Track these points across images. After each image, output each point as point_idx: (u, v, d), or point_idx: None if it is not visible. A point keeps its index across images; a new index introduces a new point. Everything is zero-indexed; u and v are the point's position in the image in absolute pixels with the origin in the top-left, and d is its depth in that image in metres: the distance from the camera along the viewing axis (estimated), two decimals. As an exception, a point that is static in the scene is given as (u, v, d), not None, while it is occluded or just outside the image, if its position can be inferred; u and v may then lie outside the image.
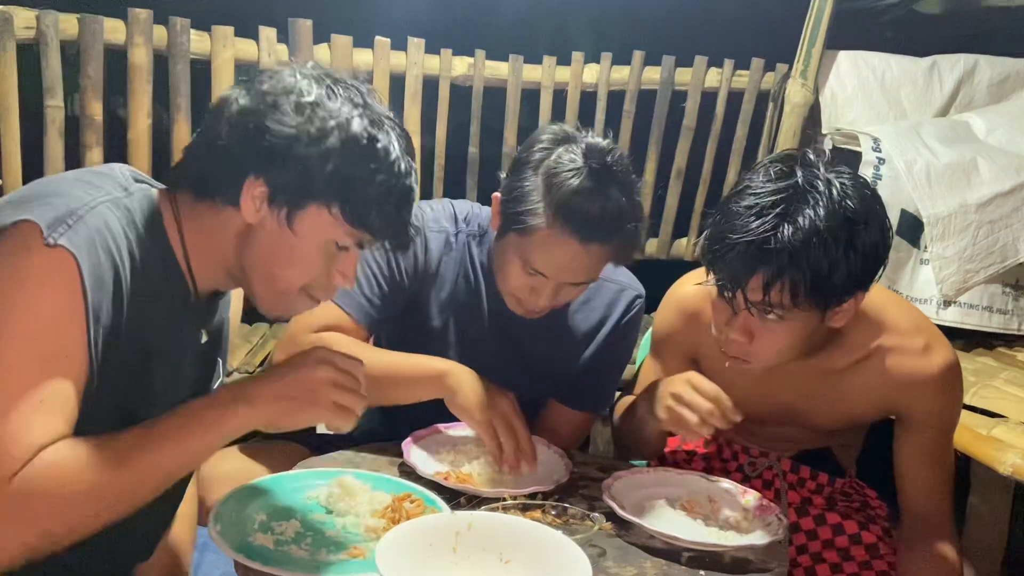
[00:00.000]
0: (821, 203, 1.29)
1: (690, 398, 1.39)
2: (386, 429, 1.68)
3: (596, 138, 1.46)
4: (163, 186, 1.16)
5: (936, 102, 3.15)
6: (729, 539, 1.35)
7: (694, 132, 3.34)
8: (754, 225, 1.29)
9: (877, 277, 1.38)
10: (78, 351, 0.99)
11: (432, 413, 1.56)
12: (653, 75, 3.27)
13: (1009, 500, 2.11)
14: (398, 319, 1.63)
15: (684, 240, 3.44)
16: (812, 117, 3.13)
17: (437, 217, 1.64)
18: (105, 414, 1.05)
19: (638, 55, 3.23)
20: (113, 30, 2.64)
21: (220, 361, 1.29)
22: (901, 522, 1.59)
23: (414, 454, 1.46)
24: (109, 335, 1.03)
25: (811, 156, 1.35)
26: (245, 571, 1.11)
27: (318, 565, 1.13)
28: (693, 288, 1.61)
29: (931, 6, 3.33)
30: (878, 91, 3.10)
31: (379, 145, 1.08)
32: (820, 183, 1.31)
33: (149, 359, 1.11)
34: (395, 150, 1.09)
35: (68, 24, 2.58)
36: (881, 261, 1.36)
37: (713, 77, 3.31)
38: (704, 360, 1.63)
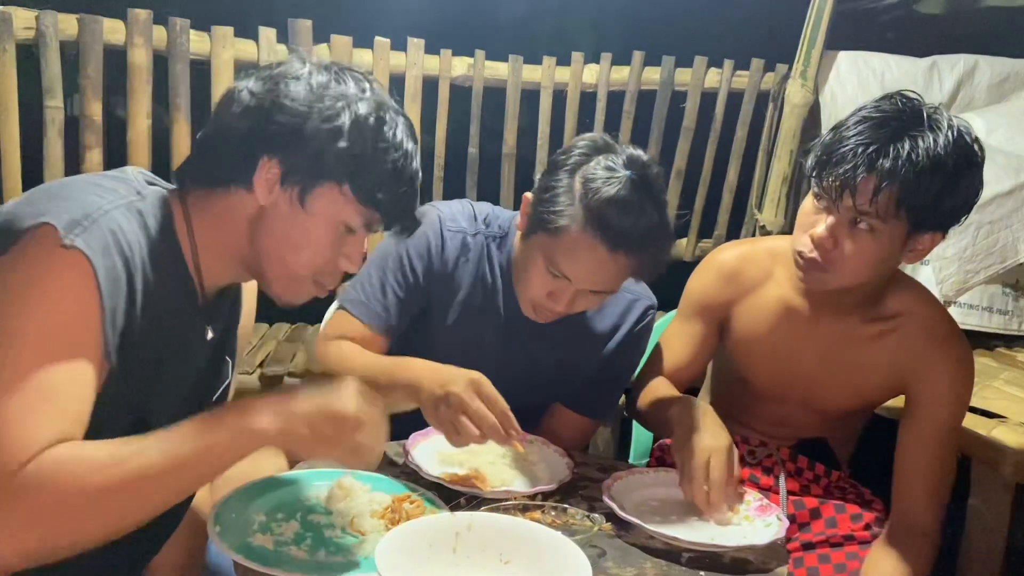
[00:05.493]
0: (942, 134, 1.39)
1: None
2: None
3: (637, 150, 1.46)
4: (174, 187, 1.17)
5: (936, 102, 3.14)
6: (729, 539, 1.35)
7: (694, 132, 3.35)
8: (877, 134, 1.39)
9: (959, 223, 1.47)
10: (91, 352, 0.99)
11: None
12: (653, 75, 3.27)
13: (1009, 500, 2.11)
14: (414, 318, 1.63)
15: (684, 240, 3.44)
16: (812, 117, 3.13)
17: (454, 216, 1.63)
18: (117, 418, 1.05)
19: (638, 55, 3.23)
20: (113, 30, 2.64)
21: (229, 361, 1.29)
22: (889, 520, 1.59)
23: (416, 454, 1.46)
24: (123, 338, 1.03)
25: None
26: (245, 571, 1.11)
27: (318, 565, 1.13)
28: (733, 251, 1.71)
29: (931, 6, 3.33)
30: (878, 91, 3.04)
31: (386, 127, 1.11)
32: (943, 118, 1.41)
33: (160, 362, 1.11)
34: (401, 134, 1.13)
35: (68, 24, 2.58)
36: (967, 211, 1.45)
37: (713, 77, 3.31)
38: (735, 321, 1.69)
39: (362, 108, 1.10)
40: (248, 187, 1.10)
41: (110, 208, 1.04)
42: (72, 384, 0.98)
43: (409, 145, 1.14)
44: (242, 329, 1.35)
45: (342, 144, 1.08)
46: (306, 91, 1.09)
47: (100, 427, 1.02)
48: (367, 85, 1.13)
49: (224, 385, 1.29)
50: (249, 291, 1.34)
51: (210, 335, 1.21)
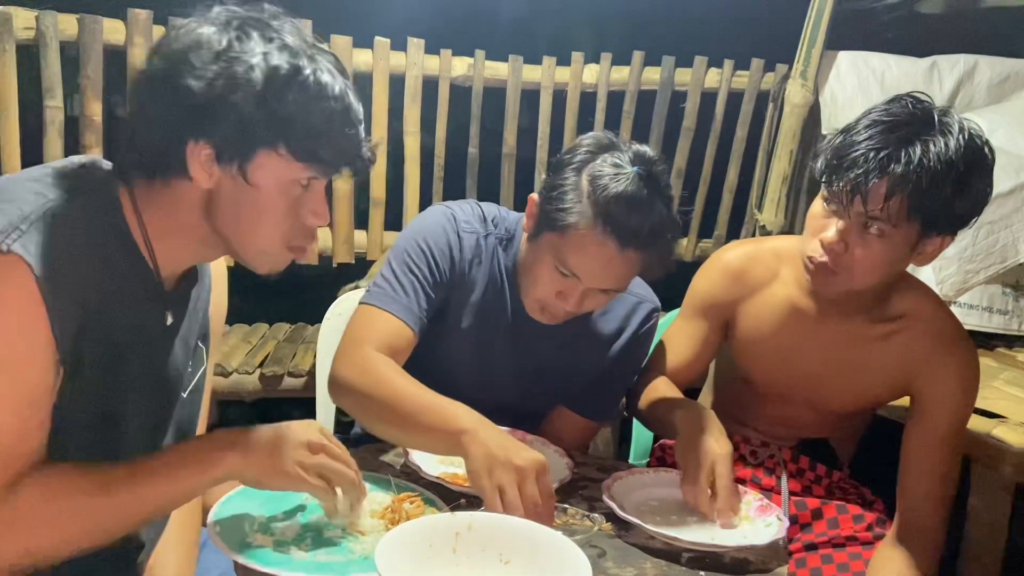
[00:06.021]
0: (952, 137, 1.38)
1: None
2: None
3: (643, 147, 1.45)
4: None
5: (936, 103, 3.15)
6: (729, 539, 1.35)
7: (694, 132, 3.35)
8: (887, 138, 1.38)
9: (968, 225, 1.47)
10: (41, 355, 0.98)
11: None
12: (653, 75, 3.27)
13: (1009, 500, 2.11)
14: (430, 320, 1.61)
15: (684, 240, 3.44)
16: (812, 117, 3.13)
17: (468, 219, 1.62)
18: (83, 415, 1.05)
19: (638, 55, 3.23)
20: (113, 30, 2.64)
21: (202, 347, 1.26)
22: (894, 521, 1.59)
23: (416, 454, 1.46)
24: (75, 337, 1.01)
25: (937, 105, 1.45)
26: (244, 571, 1.11)
27: (318, 566, 1.13)
28: (739, 250, 1.71)
29: (931, 6, 3.33)
30: (878, 91, 3.10)
31: (305, 73, 1.04)
32: (953, 120, 1.41)
33: (121, 354, 1.09)
34: (323, 73, 1.05)
35: (68, 24, 2.58)
36: (978, 213, 1.46)
37: (713, 77, 3.31)
38: (739, 321, 1.68)
39: (273, 60, 1.01)
40: (187, 175, 1.05)
41: (51, 206, 1.01)
42: (30, 389, 0.98)
43: (337, 85, 1.05)
44: (214, 314, 1.31)
45: (260, 106, 1.02)
46: (210, 60, 1.01)
47: (67, 426, 1.03)
48: (274, 34, 1.05)
49: (200, 372, 1.27)
50: (219, 275, 1.31)
51: (169, 320, 1.17)
